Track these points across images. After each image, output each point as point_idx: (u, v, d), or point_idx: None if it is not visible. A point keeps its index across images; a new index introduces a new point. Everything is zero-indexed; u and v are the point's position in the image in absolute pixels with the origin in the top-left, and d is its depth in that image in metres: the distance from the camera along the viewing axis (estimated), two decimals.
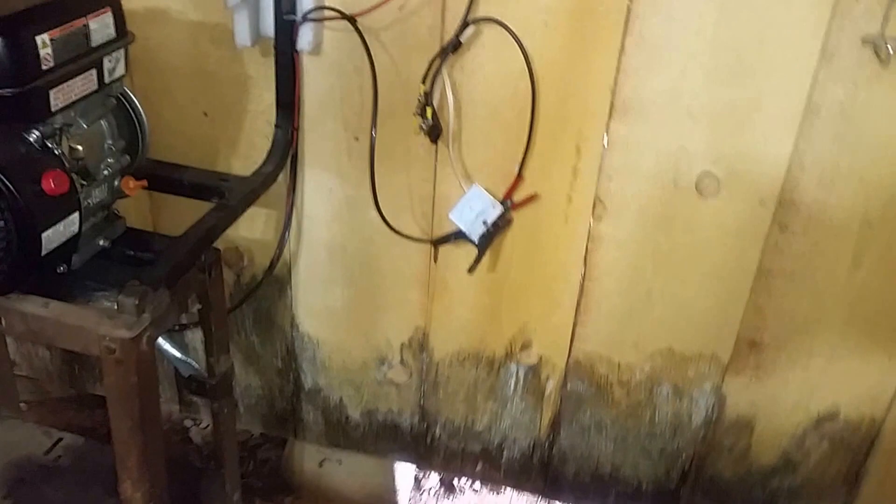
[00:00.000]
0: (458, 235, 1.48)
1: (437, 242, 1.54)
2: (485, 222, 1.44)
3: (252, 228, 1.67)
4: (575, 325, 1.59)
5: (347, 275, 1.66)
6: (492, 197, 1.45)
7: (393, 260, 1.61)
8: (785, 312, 1.46)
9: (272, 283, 1.71)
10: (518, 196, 1.46)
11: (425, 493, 2.07)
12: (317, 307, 1.73)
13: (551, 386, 1.67)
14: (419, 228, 1.55)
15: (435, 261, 1.58)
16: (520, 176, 1.44)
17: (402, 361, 1.74)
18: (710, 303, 1.50)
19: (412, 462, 1.92)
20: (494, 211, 1.44)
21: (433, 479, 2.09)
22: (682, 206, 1.42)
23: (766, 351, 1.51)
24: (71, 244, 1.14)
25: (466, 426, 1.78)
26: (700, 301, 1.50)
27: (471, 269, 1.49)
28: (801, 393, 1.54)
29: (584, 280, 1.53)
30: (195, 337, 1.74)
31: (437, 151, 1.47)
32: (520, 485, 1.86)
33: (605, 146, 1.40)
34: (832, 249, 1.38)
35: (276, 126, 1.48)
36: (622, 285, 1.52)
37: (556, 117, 1.40)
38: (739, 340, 1.51)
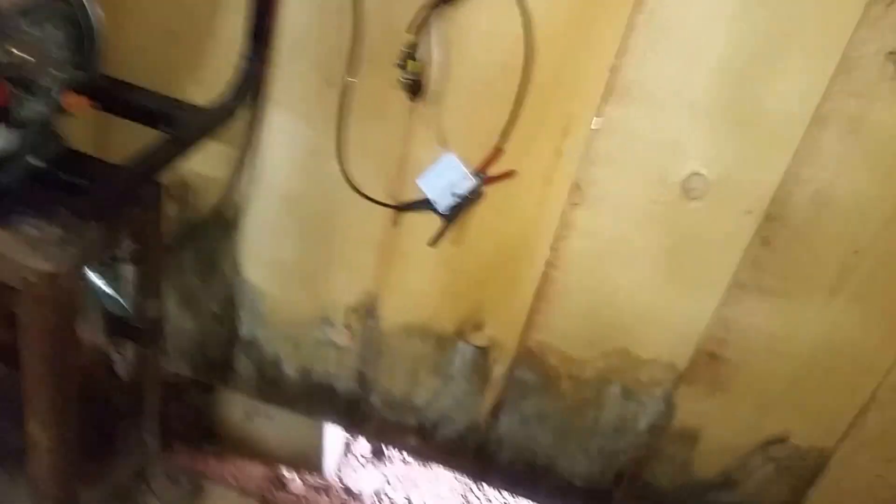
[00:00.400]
0: (424, 204, 1.39)
1: (400, 208, 1.44)
2: (455, 194, 1.35)
3: (205, 163, 1.55)
4: (532, 312, 1.51)
5: (301, 227, 1.55)
6: (466, 168, 1.35)
7: (351, 219, 1.51)
8: (752, 329, 1.40)
9: (219, 224, 1.60)
10: (494, 170, 1.36)
11: (353, 459, 2.00)
12: (264, 256, 1.62)
13: (498, 371, 1.60)
14: (383, 190, 1.45)
15: (394, 225, 1.49)
16: (499, 149, 1.34)
17: (346, 325, 1.64)
18: (675, 308, 1.42)
19: (344, 427, 1.84)
20: (467, 183, 1.35)
21: (363, 445, 2.02)
22: (664, 205, 1.34)
23: (725, 366, 1.45)
24: None
25: (405, 399, 1.70)
26: (666, 305, 1.42)
27: (433, 242, 1.40)
28: (754, 413, 1.48)
29: (548, 268, 1.45)
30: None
31: (413, 110, 1.37)
32: (451, 464, 1.79)
33: (594, 129, 1.31)
34: (813, 272, 1.32)
35: (245, 57, 1.36)
36: (588, 278, 1.44)
37: (547, 91, 1.30)
38: (699, 351, 1.45)
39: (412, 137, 1.39)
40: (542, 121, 1.32)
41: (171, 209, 1.61)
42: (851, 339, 1.36)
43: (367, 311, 1.61)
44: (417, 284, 1.54)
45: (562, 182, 1.37)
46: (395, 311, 1.59)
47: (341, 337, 1.67)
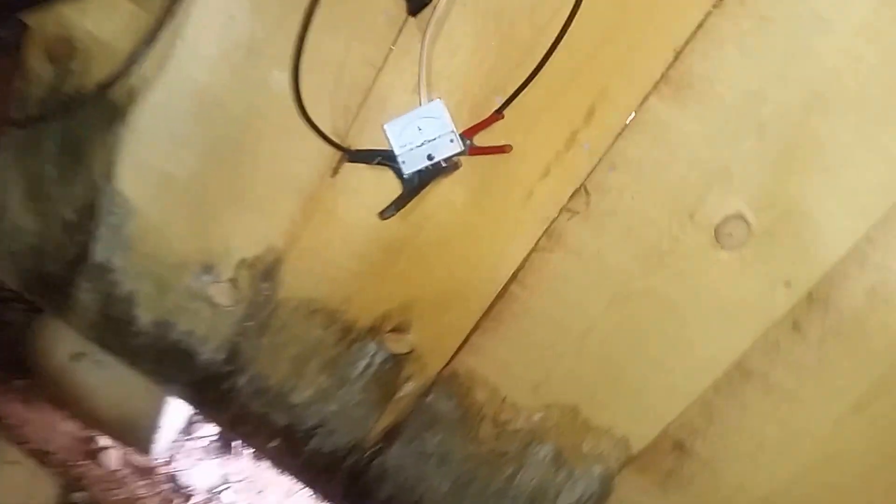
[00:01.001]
0: (384, 158, 1.03)
1: (350, 154, 1.07)
2: (430, 156, 1.00)
3: (105, 23, 1.14)
4: (474, 329, 1.17)
5: (209, 141, 1.17)
6: (453, 127, 1.00)
7: (279, 150, 1.13)
8: (739, 429, 1.10)
9: (102, 108, 1.19)
10: (484, 139, 1.02)
11: (194, 442, 1.61)
12: (150, 165, 1.22)
13: (409, 388, 1.25)
14: (332, 123, 1.08)
15: (333, 175, 1.12)
16: (499, 114, 1.00)
17: (233, 280, 1.27)
18: (653, 376, 1.11)
19: (193, 405, 1.45)
20: (449, 147, 1.00)
21: (210, 432, 1.64)
22: (686, 246, 1.03)
23: (691, 461, 1.15)
24: None
25: (281, 391, 1.34)
26: (643, 369, 1.12)
27: (384, 214, 1.05)
28: None
29: (513, 282, 1.12)
30: None
31: (406, 28, 1.01)
32: (315, 483, 1.43)
33: (627, 124, 0.99)
34: (842, 380, 1.03)
35: None
36: (558, 308, 1.12)
37: (583, 57, 0.97)
38: (665, 435, 1.14)
39: (394, 65, 1.03)
40: (565, 92, 0.99)
41: (43, 70, 1.19)
42: (859, 471, 1.08)
43: (266, 271, 1.23)
44: (339, 256, 1.18)
45: (565, 179, 1.04)
46: (301, 281, 1.23)
47: (223, 294, 1.29)
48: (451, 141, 0.98)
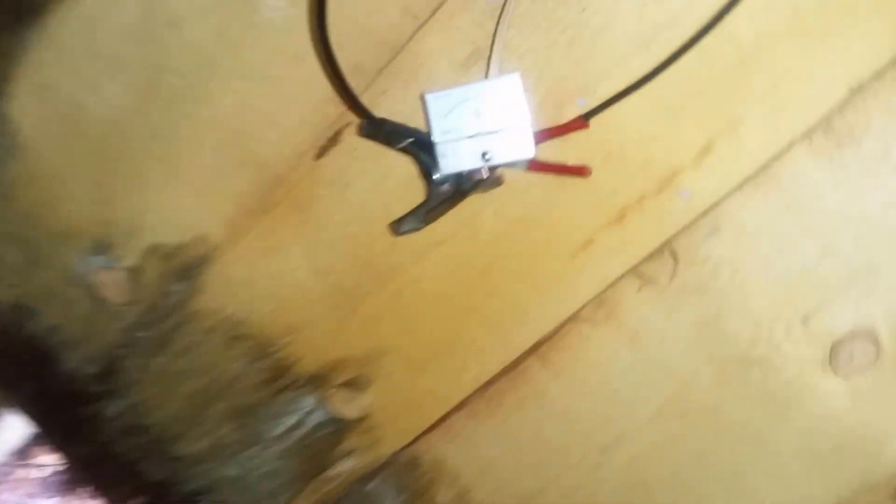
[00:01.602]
0: (416, 143, 0.70)
1: (367, 123, 0.73)
2: (486, 156, 0.68)
3: None
4: (459, 407, 0.86)
5: (150, 74, 0.82)
6: (530, 118, 0.69)
7: (248, 102, 0.80)
8: None
9: (10, 4, 0.84)
10: (549, 152, 0.72)
11: (28, 470, 1.21)
12: (58, 91, 0.85)
13: (346, 466, 0.91)
14: (351, 76, 0.76)
15: (318, 157, 0.80)
16: (584, 121, 0.70)
17: (134, 271, 0.91)
18: None
19: (38, 423, 1.06)
20: (517, 148, 0.68)
21: (54, 459, 1.24)
22: (786, 359, 0.75)
23: None
24: None
25: (163, 434, 0.98)
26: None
27: (400, 226, 0.71)
28: None
29: (531, 353, 0.81)
30: None
31: None
32: None
33: (752, 175, 0.71)
34: None
35: None
36: (585, 402, 0.82)
37: (719, 70, 0.69)
38: None
39: (443, 23, 0.72)
40: (679, 112, 0.70)
41: None
42: None
43: (185, 267, 0.88)
44: (299, 269, 0.85)
45: (645, 232, 0.74)
46: (232, 293, 0.88)
47: (115, 286, 0.92)
48: (523, 140, 0.67)
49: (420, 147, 0.69)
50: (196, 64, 0.79)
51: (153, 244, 0.89)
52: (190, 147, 0.83)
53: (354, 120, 0.77)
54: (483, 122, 0.66)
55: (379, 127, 0.68)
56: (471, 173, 0.68)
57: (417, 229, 0.70)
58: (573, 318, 0.79)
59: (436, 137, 0.67)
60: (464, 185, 0.68)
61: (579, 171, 0.71)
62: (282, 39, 0.76)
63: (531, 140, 0.66)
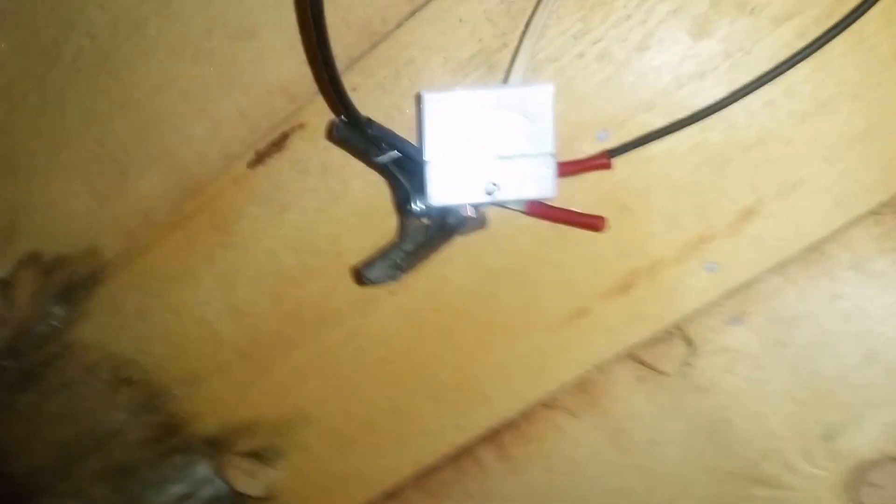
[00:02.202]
0: (401, 159, 0.53)
1: (343, 121, 0.55)
2: (490, 190, 0.51)
3: None
4: (381, 501, 0.69)
5: (59, 23, 0.65)
6: (552, 145, 0.53)
7: (181, 82, 0.63)
8: None
9: None
10: (564, 197, 0.56)
11: None
12: None
13: None
14: (297, 70, 0.60)
15: (254, 164, 0.63)
16: (607, 158, 0.55)
17: (2, 284, 0.72)
18: None
19: None
20: (535, 182, 0.51)
21: None
22: (801, 483, 0.60)
23: None
24: None
25: (27, 485, 0.78)
26: None
27: (367, 273, 0.52)
28: None
29: (487, 441, 0.65)
30: None
31: None
32: None
33: (797, 253, 0.57)
34: None
35: None
36: None
37: (782, 123, 0.55)
38: None
39: (440, 15, 0.57)
40: (726, 164, 0.57)
41: None
42: None
43: (69, 286, 0.70)
44: (211, 305, 0.67)
45: (653, 308, 0.60)
46: (122, 326, 0.70)
47: None
48: (543, 174, 0.51)
49: (403, 166, 0.52)
50: (114, 25, 0.62)
51: (31, 252, 0.70)
52: (91, 132, 0.65)
53: (311, 120, 0.61)
54: (496, 142, 0.51)
55: (360, 129, 0.51)
56: (458, 208, 0.52)
57: (393, 279, 0.53)
58: (546, 402, 0.63)
59: (428, 155, 0.51)
60: (449, 223, 0.52)
61: (592, 224, 0.55)
62: (230, 6, 0.60)
63: (553, 174, 0.51)
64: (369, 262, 0.51)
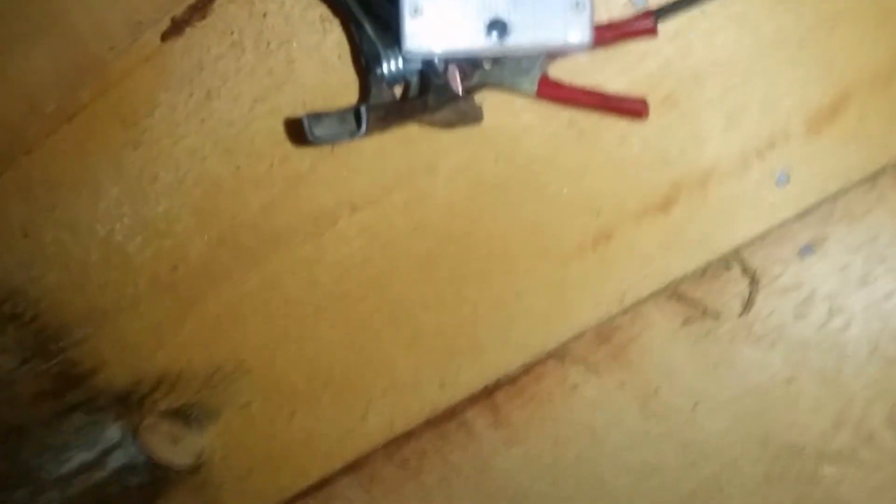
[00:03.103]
0: None
1: None
2: (496, 30, 0.34)
3: None
4: (341, 473, 0.54)
5: None
6: None
7: None
8: None
9: None
10: (566, 70, 0.41)
11: None
12: None
13: None
14: None
15: (166, 38, 0.47)
16: (650, 23, 0.40)
17: None
18: None
19: None
20: (558, 27, 0.34)
21: None
22: (877, 464, 0.47)
23: None
24: None
25: None
26: None
27: (314, 130, 0.34)
28: None
29: (473, 404, 0.51)
30: None
31: None
32: None
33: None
34: None
35: None
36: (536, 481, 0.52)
37: None
38: None
39: None
40: (810, 40, 0.42)
41: None
42: None
43: None
44: (116, 221, 0.52)
45: (696, 228, 0.45)
46: (9, 241, 0.54)
47: None
48: (572, 15, 0.35)
49: (367, 5, 0.36)
50: None
51: None
52: None
53: None
54: None
55: None
56: (446, 73, 0.36)
57: (344, 138, 0.35)
58: (556, 353, 0.49)
59: None
60: (432, 91, 0.36)
61: (631, 109, 0.40)
62: None
63: (588, 16, 0.34)
64: (316, 115, 0.34)
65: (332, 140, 0.32)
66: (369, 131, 0.31)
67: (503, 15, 0.34)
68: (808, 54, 0.42)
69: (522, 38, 0.34)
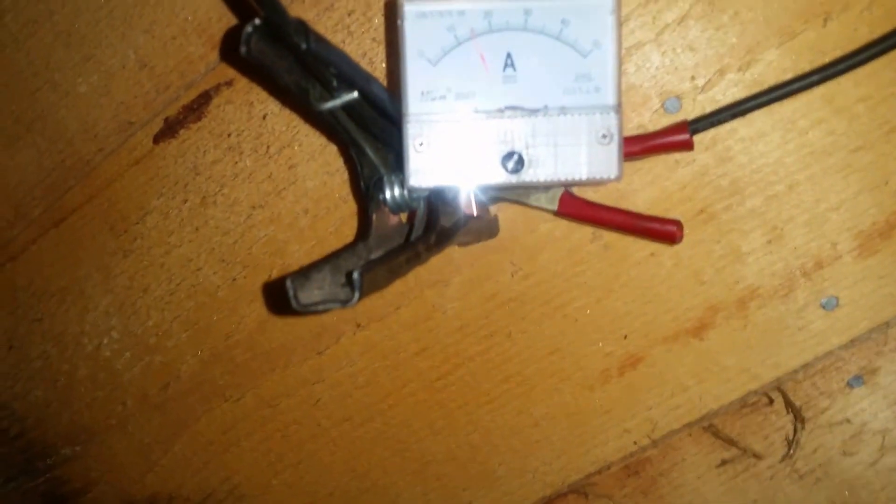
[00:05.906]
0: (357, 105, 0.31)
1: (249, 38, 0.30)
2: (512, 162, 0.31)
3: None
4: None
5: None
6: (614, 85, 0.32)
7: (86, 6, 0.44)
8: None
9: None
10: (611, 195, 0.37)
11: None
12: None
13: None
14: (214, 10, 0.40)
15: (158, 140, 0.44)
16: (686, 135, 0.36)
17: None
18: None
19: None
20: (583, 159, 0.31)
21: None
22: None
23: None
24: None
25: None
26: None
27: (300, 298, 0.30)
28: None
29: None
30: None
31: None
32: None
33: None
34: None
35: None
36: None
37: None
38: None
39: None
40: (858, 152, 0.37)
41: None
42: None
43: None
44: (106, 333, 0.48)
45: (734, 354, 0.41)
46: None
47: None
48: (602, 139, 0.31)
49: (366, 120, 0.32)
50: None
51: None
52: None
53: (238, 76, 0.42)
54: (521, 86, 0.30)
55: (287, 43, 0.27)
56: (455, 199, 0.32)
57: (342, 303, 0.30)
58: (579, 486, 0.44)
59: (411, 104, 0.31)
60: (440, 225, 0.32)
61: (664, 233, 0.36)
62: None
63: (617, 149, 0.31)
64: (303, 272, 0.30)
65: (320, 310, 0.28)
66: (364, 296, 0.27)
67: (520, 149, 0.30)
68: (862, 162, 0.38)
69: (542, 172, 0.31)
